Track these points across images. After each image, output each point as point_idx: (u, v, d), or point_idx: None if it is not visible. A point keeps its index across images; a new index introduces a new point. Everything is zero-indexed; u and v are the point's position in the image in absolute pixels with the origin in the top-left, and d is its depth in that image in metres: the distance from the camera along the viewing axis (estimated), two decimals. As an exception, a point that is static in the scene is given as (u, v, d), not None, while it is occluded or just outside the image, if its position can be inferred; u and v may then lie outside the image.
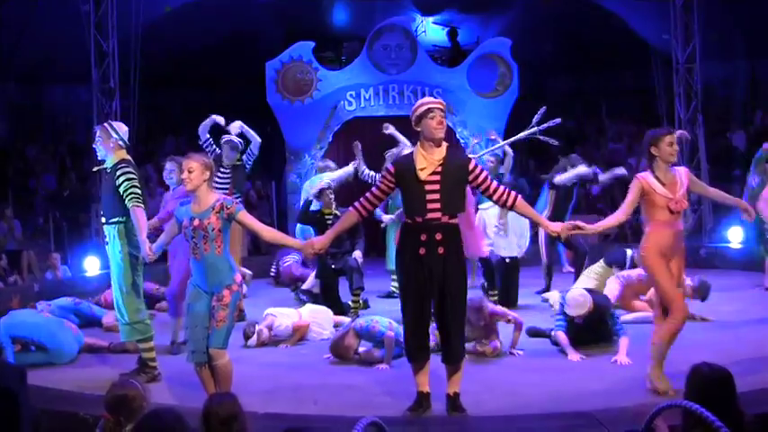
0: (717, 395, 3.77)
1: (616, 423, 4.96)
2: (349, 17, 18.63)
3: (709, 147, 14.93)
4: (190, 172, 5.82)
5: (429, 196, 5.58)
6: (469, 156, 6.88)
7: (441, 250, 5.58)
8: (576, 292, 7.72)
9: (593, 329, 7.63)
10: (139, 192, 6.64)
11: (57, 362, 7.53)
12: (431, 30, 18.24)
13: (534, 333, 8.21)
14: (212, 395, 4.14)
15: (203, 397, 4.89)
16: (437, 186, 5.58)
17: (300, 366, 6.98)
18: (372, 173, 10.08)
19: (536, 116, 9.20)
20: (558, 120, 9.26)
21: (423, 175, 5.58)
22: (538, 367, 7.04)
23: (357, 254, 9.58)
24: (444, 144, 5.71)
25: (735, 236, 13.50)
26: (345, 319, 8.89)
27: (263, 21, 17.87)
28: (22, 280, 12.54)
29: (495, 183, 5.83)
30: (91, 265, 12.83)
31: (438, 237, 5.58)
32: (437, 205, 5.57)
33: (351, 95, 16.07)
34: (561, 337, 7.58)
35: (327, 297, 9.63)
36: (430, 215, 5.59)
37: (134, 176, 6.65)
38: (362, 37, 16.54)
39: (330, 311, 9.00)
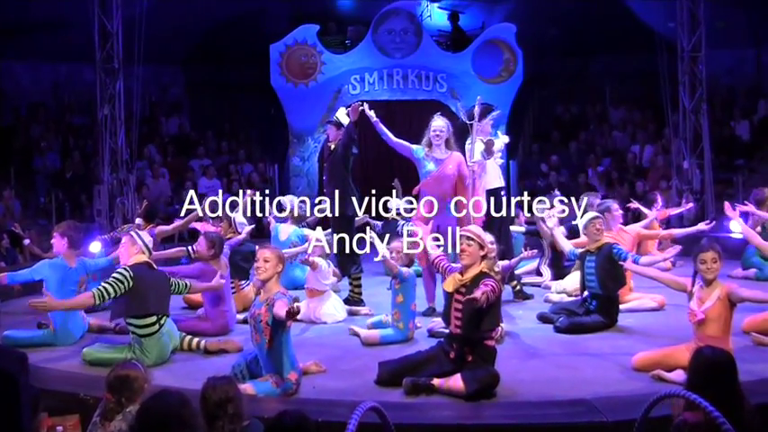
0: (718, 378, 3.84)
1: (615, 411, 4.97)
2: (354, 0, 18.57)
3: (712, 136, 14.87)
4: (266, 261, 5.90)
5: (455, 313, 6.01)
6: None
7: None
8: None
9: (602, 265, 7.83)
10: (110, 292, 6.60)
11: (62, 343, 7.50)
12: (436, 14, 18.16)
13: (544, 319, 8.24)
14: (210, 378, 4.15)
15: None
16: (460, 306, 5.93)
17: (300, 348, 6.98)
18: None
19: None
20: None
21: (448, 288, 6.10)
22: (537, 354, 7.04)
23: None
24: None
25: (736, 226, 13.47)
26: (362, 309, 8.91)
27: (269, 0, 17.80)
28: (24, 259, 12.55)
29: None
30: (93, 248, 12.80)
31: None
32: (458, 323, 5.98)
33: (355, 79, 16.06)
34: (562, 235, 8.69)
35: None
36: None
37: (120, 282, 6.62)
38: (367, 21, 16.51)
39: (339, 300, 8.86)
